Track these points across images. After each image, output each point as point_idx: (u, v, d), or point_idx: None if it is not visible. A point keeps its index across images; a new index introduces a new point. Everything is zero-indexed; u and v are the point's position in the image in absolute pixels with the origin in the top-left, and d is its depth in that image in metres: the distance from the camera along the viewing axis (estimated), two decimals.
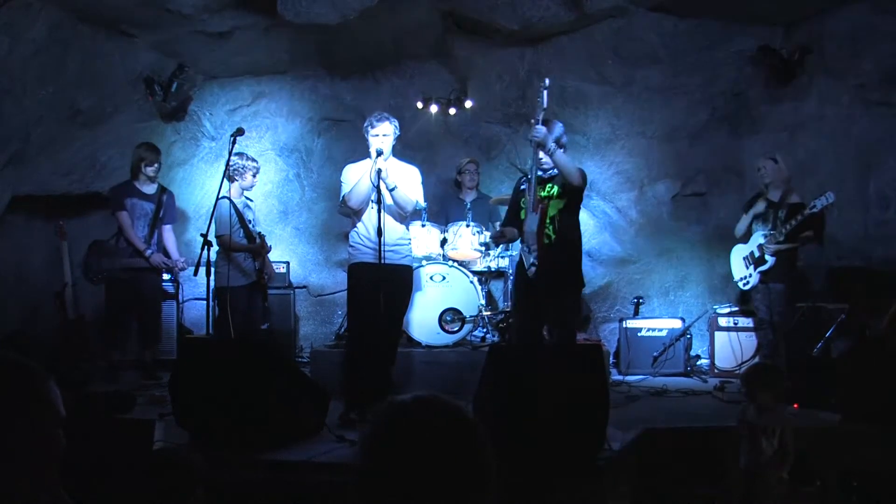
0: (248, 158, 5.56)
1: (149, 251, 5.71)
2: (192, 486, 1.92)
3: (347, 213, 4.70)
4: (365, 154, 4.54)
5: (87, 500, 1.68)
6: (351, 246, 4.59)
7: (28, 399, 1.32)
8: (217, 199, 4.86)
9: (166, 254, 5.86)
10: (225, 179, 5.19)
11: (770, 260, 5.18)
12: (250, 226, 5.53)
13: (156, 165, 5.84)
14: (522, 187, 4.54)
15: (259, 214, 6.06)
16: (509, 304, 5.96)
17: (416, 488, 1.10)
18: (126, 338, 5.96)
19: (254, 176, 5.58)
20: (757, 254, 5.28)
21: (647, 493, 3.70)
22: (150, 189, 5.87)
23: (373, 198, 4.40)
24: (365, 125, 4.54)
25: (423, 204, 4.73)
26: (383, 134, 4.43)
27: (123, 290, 5.73)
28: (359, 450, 1.19)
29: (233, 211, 5.36)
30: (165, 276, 6.33)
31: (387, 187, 4.42)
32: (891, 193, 5.77)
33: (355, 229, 4.56)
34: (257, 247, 5.45)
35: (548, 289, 4.29)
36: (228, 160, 5.06)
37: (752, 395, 3.47)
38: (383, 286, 4.20)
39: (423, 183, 4.71)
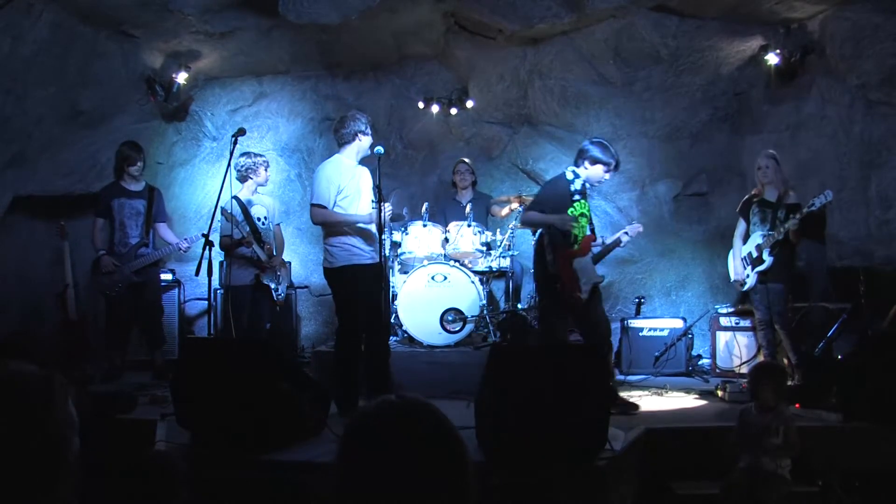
0: (254, 155, 5.65)
1: (100, 252, 5.71)
2: (176, 491, 1.90)
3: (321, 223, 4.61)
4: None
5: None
6: (343, 249, 4.49)
7: (47, 408, 1.32)
8: (218, 199, 4.84)
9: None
10: (236, 181, 5.35)
11: (768, 260, 5.16)
12: (258, 223, 5.53)
13: (139, 164, 5.85)
14: None
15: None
16: (510, 303, 5.96)
17: (390, 491, 1.10)
18: (127, 340, 5.96)
19: (266, 170, 5.67)
20: (755, 254, 5.27)
21: (648, 493, 3.70)
22: (136, 187, 5.89)
23: (372, 198, 4.45)
24: (362, 125, 4.55)
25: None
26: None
27: (123, 305, 5.75)
28: (335, 455, 1.18)
29: (239, 209, 5.36)
30: (165, 277, 6.35)
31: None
32: (892, 193, 5.75)
33: (342, 236, 4.48)
34: (246, 240, 5.30)
35: None
36: (230, 161, 5.06)
37: (756, 392, 3.49)
38: (377, 284, 4.28)
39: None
